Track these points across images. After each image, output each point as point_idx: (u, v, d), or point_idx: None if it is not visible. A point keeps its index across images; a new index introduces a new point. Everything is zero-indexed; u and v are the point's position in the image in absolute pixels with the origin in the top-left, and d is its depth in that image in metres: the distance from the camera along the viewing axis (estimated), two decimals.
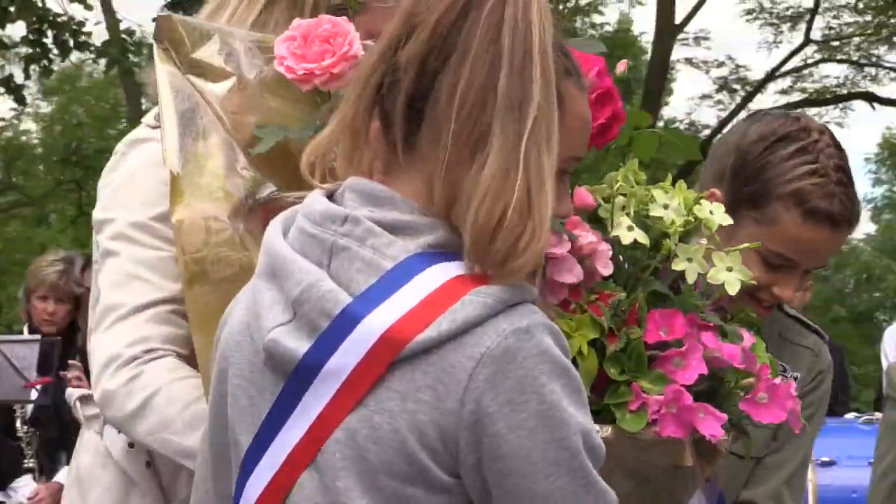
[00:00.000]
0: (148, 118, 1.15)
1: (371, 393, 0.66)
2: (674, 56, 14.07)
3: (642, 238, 0.86)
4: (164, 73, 1.02)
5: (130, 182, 1.10)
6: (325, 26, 0.92)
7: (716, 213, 0.91)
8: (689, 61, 15.18)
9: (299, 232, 0.71)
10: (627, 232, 0.86)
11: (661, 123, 15.99)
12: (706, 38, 14.48)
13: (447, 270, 0.66)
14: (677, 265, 0.88)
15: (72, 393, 1.58)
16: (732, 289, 0.90)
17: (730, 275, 0.90)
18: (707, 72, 15.13)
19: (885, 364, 4.53)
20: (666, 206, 0.88)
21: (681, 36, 13.78)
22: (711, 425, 0.82)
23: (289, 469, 0.69)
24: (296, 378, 0.69)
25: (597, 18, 15.65)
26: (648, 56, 14.09)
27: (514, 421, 0.64)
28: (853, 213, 1.26)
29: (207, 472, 0.82)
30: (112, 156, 1.16)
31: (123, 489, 1.13)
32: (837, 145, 1.26)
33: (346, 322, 0.66)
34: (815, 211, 1.15)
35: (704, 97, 15.49)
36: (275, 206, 0.94)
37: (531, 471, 0.65)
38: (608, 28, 15.85)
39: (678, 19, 13.10)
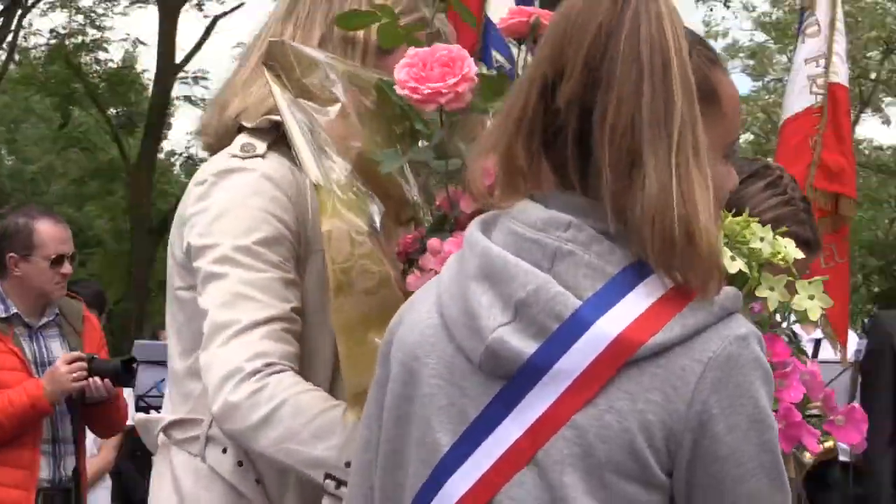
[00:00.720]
0: (233, 149, 1.15)
1: (601, 393, 0.67)
2: (174, 93, 15.18)
3: (745, 268, 0.90)
4: (281, 97, 1.05)
5: (229, 210, 1.11)
6: (442, 52, 0.97)
7: (789, 248, 0.98)
8: (188, 98, 16.32)
9: (515, 237, 0.72)
10: (731, 262, 0.87)
11: (161, 156, 16.25)
12: (205, 78, 15.36)
13: (663, 279, 0.68)
14: (760, 293, 0.93)
15: (146, 419, 1.28)
16: (814, 315, 0.96)
17: (812, 303, 0.96)
18: (205, 109, 16.02)
19: None
20: (762, 239, 0.95)
21: (181, 74, 14.72)
22: (811, 441, 0.91)
23: (504, 466, 0.69)
24: (519, 377, 0.69)
25: (101, 55, 16.16)
26: (150, 93, 14.87)
27: (732, 423, 0.67)
28: (819, 238, 1.52)
29: (366, 472, 0.81)
30: (196, 185, 1.17)
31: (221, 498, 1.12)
32: (793, 179, 1.52)
33: (576, 325, 0.67)
34: (793, 235, 1.10)
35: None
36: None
37: (741, 472, 0.68)
38: (112, 65, 16.29)
39: (178, 59, 13.94)
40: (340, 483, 0.96)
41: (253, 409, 1.00)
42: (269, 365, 1.02)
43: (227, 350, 1.03)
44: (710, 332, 0.68)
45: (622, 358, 0.67)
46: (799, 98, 3.57)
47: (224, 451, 1.11)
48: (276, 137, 1.13)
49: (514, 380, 0.69)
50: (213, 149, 1.23)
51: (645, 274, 0.69)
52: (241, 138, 1.15)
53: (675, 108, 0.68)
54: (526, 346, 0.68)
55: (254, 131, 1.16)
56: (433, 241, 0.97)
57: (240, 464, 1.11)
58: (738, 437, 0.68)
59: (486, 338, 0.69)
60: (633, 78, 0.68)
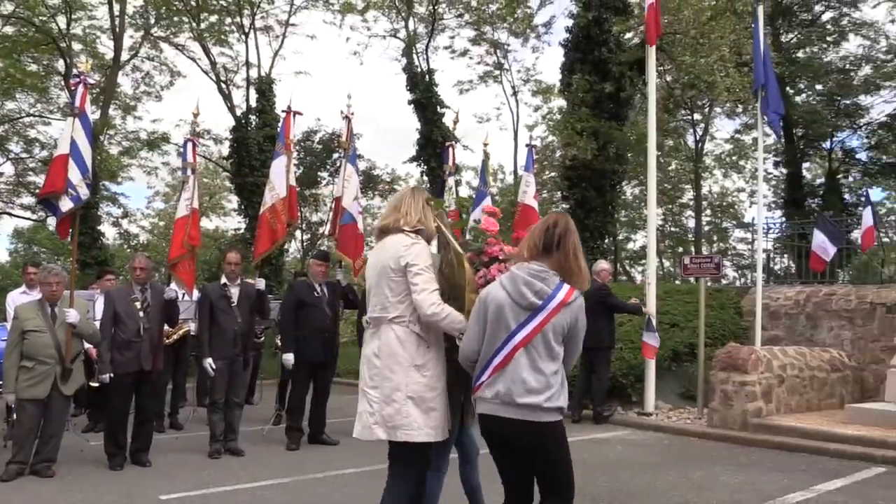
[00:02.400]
0: (410, 235, 3.63)
1: (556, 316, 3.13)
2: None
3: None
4: (443, 226, 3.82)
5: (420, 254, 3.53)
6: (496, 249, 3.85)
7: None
8: None
9: (530, 270, 3.18)
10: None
11: None
12: None
13: (567, 287, 3.16)
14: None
15: (381, 317, 3.63)
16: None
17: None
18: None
19: None
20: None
21: None
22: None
23: (532, 334, 3.12)
24: (535, 311, 3.12)
25: None
26: None
27: (581, 321, 3.25)
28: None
29: (474, 335, 3.26)
30: (404, 246, 3.55)
31: (418, 343, 3.52)
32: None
33: (549, 297, 3.13)
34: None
35: None
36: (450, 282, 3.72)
37: (581, 331, 3.27)
38: None
39: None
40: (462, 334, 3.40)
41: (442, 313, 3.45)
42: (441, 303, 3.49)
43: (431, 295, 3.47)
44: (578, 297, 3.20)
45: (562, 306, 3.14)
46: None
47: (415, 324, 3.53)
48: (419, 236, 3.65)
49: (533, 312, 3.13)
50: (388, 232, 3.69)
51: (563, 283, 3.16)
52: (407, 232, 3.64)
53: (575, 244, 3.23)
54: (537, 302, 3.13)
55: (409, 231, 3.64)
56: (493, 271, 3.69)
57: (419, 330, 3.53)
58: (581, 323, 3.24)
59: (527, 300, 3.13)
60: (571, 241, 3.21)
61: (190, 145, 7.96)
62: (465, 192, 23.42)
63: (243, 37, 20.91)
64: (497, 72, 23.53)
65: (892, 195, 31.16)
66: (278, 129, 8.88)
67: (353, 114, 8.64)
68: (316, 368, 7.67)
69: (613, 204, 20.47)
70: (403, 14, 21.51)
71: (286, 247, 22.80)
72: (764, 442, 7.80)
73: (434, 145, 19.57)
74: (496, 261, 3.72)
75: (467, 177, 26.34)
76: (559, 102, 22.41)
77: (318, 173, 25.17)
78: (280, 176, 8.11)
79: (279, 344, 8.75)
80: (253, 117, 20.59)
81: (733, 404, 8.41)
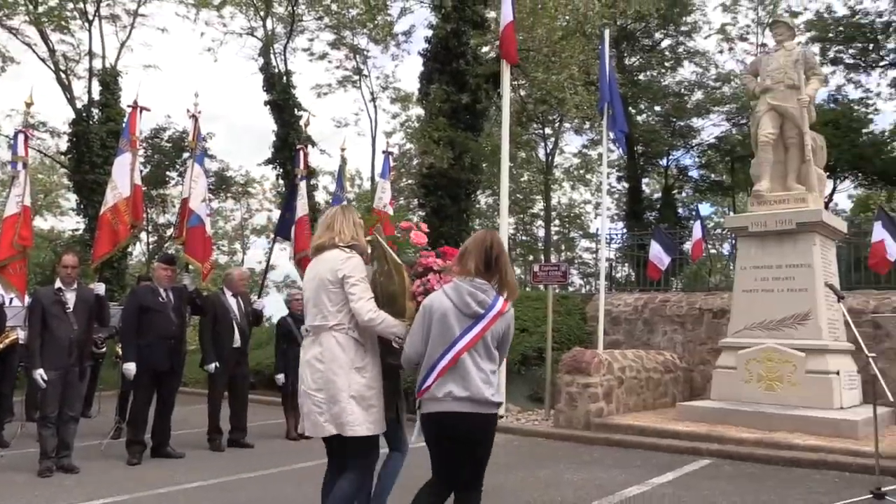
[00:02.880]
0: (344, 250, 3.94)
1: (493, 323, 3.48)
2: None
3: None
4: (378, 241, 4.13)
5: (356, 266, 3.87)
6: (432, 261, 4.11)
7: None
8: None
9: (473, 284, 3.50)
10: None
11: None
12: None
13: (503, 297, 3.55)
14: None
15: (321, 325, 3.93)
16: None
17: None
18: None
19: None
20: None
21: None
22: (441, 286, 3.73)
23: (473, 341, 3.45)
24: (476, 318, 3.45)
25: None
26: None
27: (511, 327, 3.70)
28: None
29: (419, 340, 3.54)
30: (340, 260, 3.86)
31: (357, 348, 3.85)
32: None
33: (489, 307, 3.47)
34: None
35: None
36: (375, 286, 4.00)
37: (510, 335, 3.72)
38: None
39: None
40: (402, 341, 3.74)
41: (378, 318, 3.78)
42: (377, 309, 3.82)
43: (367, 303, 3.80)
44: (510, 308, 3.58)
45: (499, 315, 3.51)
46: None
47: (353, 330, 3.85)
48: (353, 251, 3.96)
49: (476, 319, 3.46)
50: (324, 249, 3.98)
51: (499, 296, 3.53)
52: (341, 247, 3.95)
53: (506, 261, 3.63)
54: (479, 311, 3.46)
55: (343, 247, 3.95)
56: (432, 278, 3.99)
57: (357, 335, 3.85)
58: (511, 330, 3.68)
59: (470, 309, 3.46)
60: (504, 259, 3.60)
61: (21, 137, 7.37)
62: (322, 196, 23.17)
63: (87, 24, 19.64)
64: (356, 77, 23.49)
65: (719, 210, 33.93)
66: (123, 125, 8.39)
67: (200, 112, 8.31)
68: (160, 377, 7.30)
69: (468, 212, 20.93)
70: (262, 13, 21.00)
71: (130, 249, 21.54)
72: (605, 440, 8.24)
73: (290, 148, 19.21)
74: (430, 271, 4.02)
75: (325, 181, 26.07)
76: (417, 111, 22.69)
77: (167, 173, 24.03)
78: (124, 174, 7.67)
79: (120, 352, 8.26)
80: (95, 111, 19.35)
81: (577, 405, 8.83)
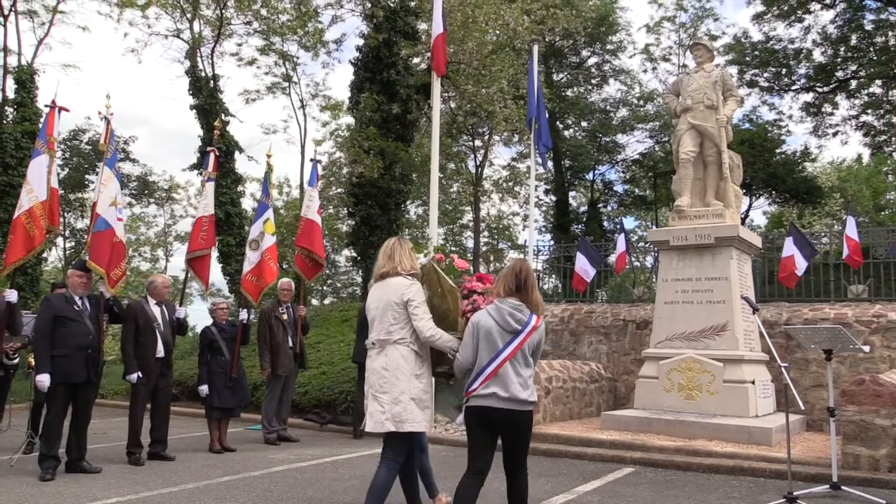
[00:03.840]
0: (407, 278, 4.78)
1: (530, 337, 4.31)
2: None
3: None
4: (433, 268, 5.00)
5: (418, 292, 4.73)
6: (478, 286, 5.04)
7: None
8: None
9: (511, 305, 4.29)
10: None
11: None
12: None
13: (535, 314, 4.36)
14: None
15: (387, 339, 4.76)
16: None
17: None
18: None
19: None
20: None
21: None
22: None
23: (515, 350, 4.25)
24: (516, 334, 4.26)
25: None
26: None
27: (542, 340, 4.50)
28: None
29: (469, 352, 4.33)
30: (405, 286, 4.72)
31: (416, 358, 4.73)
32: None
33: (526, 324, 4.28)
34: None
35: None
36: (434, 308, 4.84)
37: (541, 344, 4.60)
38: None
39: None
40: (455, 353, 4.50)
41: (437, 335, 4.65)
42: (435, 327, 4.69)
43: (429, 322, 4.67)
44: (542, 323, 4.39)
45: (533, 330, 4.32)
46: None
47: (414, 344, 4.72)
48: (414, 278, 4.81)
49: (515, 335, 4.27)
50: (387, 276, 4.79)
51: (532, 314, 4.33)
52: (404, 275, 4.79)
53: (533, 283, 4.48)
54: (517, 327, 4.27)
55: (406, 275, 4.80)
56: (478, 298, 4.88)
57: (417, 348, 4.73)
58: (542, 341, 4.47)
59: (511, 326, 4.27)
60: (531, 281, 4.40)
61: None
62: (248, 203, 22.76)
63: (1, 19, 18.80)
64: (286, 84, 23.21)
65: (642, 224, 34.91)
66: (40, 125, 8.05)
67: (112, 114, 8.04)
68: (76, 389, 7.01)
69: (398, 222, 20.93)
70: (188, 15, 20.54)
71: (45, 255, 20.66)
72: (533, 450, 8.28)
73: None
74: (474, 293, 4.93)
75: (252, 188, 25.62)
76: (348, 120, 22.57)
77: (87, 176, 23.15)
78: (40, 177, 7.36)
79: (32, 363, 7.89)
80: (10, 110, 18.53)
81: None
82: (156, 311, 7.90)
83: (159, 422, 7.92)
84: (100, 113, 8.09)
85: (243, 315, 8.85)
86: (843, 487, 6.10)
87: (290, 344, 9.27)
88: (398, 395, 4.64)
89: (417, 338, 4.70)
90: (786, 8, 25.36)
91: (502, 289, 4.41)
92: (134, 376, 7.64)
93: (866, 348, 9.07)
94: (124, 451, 7.70)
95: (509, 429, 4.36)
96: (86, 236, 23.90)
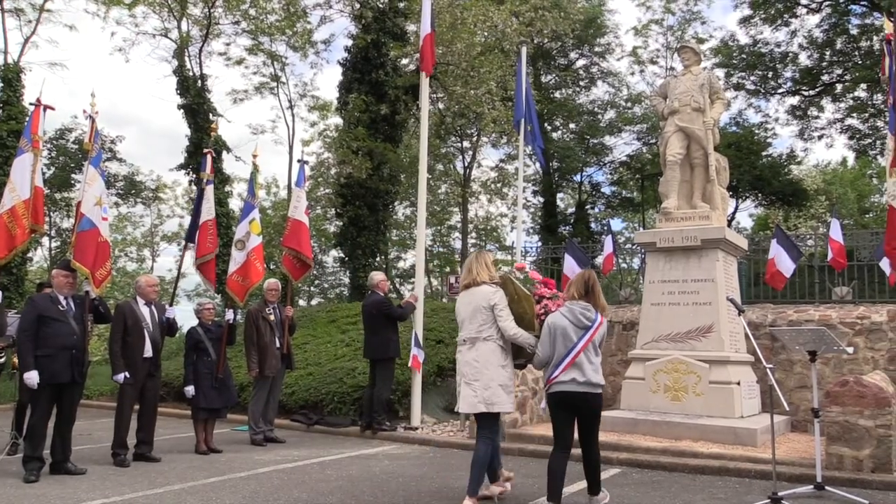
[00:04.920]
0: (492, 286, 5.80)
1: (598, 331, 5.45)
2: None
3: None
4: (510, 280, 5.89)
5: (502, 298, 5.73)
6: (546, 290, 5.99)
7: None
8: None
9: (581, 305, 5.47)
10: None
11: None
12: None
13: (601, 314, 5.56)
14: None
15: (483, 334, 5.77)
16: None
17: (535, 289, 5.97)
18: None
19: None
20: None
21: None
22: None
23: (586, 343, 5.36)
24: (586, 329, 5.38)
25: None
26: None
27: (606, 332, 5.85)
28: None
29: (547, 347, 5.45)
30: (491, 293, 5.73)
31: (501, 352, 5.70)
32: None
33: (594, 321, 5.43)
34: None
35: None
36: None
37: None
38: None
39: None
40: (533, 348, 5.63)
41: (519, 333, 5.66)
42: (517, 327, 5.69)
43: (510, 323, 5.68)
44: (605, 321, 5.60)
45: (600, 325, 5.49)
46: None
47: (500, 340, 5.70)
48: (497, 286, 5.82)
49: (586, 330, 5.38)
50: (473, 285, 5.84)
51: (598, 313, 5.52)
52: (487, 283, 5.81)
53: (598, 289, 5.76)
54: (588, 324, 5.40)
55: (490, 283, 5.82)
56: (548, 302, 5.79)
57: (501, 344, 5.71)
58: (605, 335, 5.74)
59: (582, 323, 5.40)
60: (597, 287, 5.65)
61: None
62: (236, 204, 22.68)
63: None
64: (274, 84, 23.15)
65: (629, 226, 35.04)
66: (25, 124, 8.00)
67: (97, 113, 7.98)
68: (61, 389, 6.96)
69: (385, 223, 20.92)
70: (176, 14, 20.45)
71: (30, 255, 20.48)
72: (520, 450, 8.35)
73: None
74: (544, 297, 5.87)
75: (240, 188, 25.52)
76: (336, 120, 22.54)
77: (73, 175, 22.97)
78: (24, 176, 7.31)
79: (16, 364, 7.83)
80: None
81: None
82: (145, 311, 7.87)
83: (146, 423, 7.88)
84: (85, 111, 8.04)
85: (229, 315, 8.82)
86: (826, 488, 6.16)
87: (278, 344, 9.25)
88: (488, 381, 5.66)
89: (502, 335, 5.72)
90: (772, 12, 25.54)
91: (574, 293, 5.57)
92: (121, 376, 7.60)
93: (850, 350, 9.14)
94: (109, 452, 7.66)
95: (585, 408, 5.44)
96: (71, 236, 23.77)
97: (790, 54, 26.34)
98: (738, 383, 8.82)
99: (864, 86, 24.89)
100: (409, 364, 9.90)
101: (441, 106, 22.24)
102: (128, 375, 7.61)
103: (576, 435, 5.53)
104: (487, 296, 5.74)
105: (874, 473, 6.67)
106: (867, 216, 33.79)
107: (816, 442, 6.37)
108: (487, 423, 5.79)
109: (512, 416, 8.96)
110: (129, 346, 7.68)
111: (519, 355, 5.93)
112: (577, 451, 8.08)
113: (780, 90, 27.37)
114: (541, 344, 5.53)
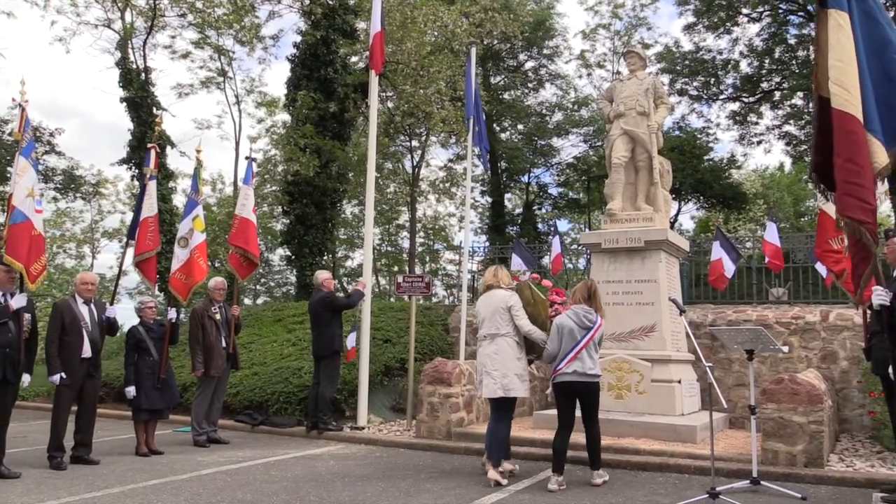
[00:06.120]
0: (508, 290, 6.96)
1: (598, 331, 6.55)
2: None
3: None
4: (525, 284, 7.18)
5: (518, 301, 6.83)
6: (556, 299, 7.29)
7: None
8: None
9: (583, 308, 6.58)
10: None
11: None
12: None
13: (601, 317, 6.70)
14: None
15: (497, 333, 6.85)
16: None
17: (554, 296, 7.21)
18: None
19: None
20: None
21: None
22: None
23: (588, 341, 6.44)
24: (588, 329, 6.46)
25: None
26: None
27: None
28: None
29: (556, 344, 6.52)
30: (508, 295, 6.85)
31: (517, 346, 6.79)
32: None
33: (595, 322, 6.52)
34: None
35: None
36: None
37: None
38: None
39: None
40: (545, 343, 6.68)
41: (533, 330, 6.74)
42: (531, 325, 6.79)
43: (526, 322, 6.76)
44: (603, 323, 6.71)
45: (600, 327, 6.59)
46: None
47: (515, 336, 6.79)
48: (513, 290, 7.02)
49: (588, 329, 6.45)
50: (492, 288, 7.00)
51: (598, 315, 6.61)
52: (504, 288, 7.00)
53: (599, 295, 6.91)
54: (590, 325, 6.48)
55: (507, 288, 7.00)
56: (559, 307, 6.97)
57: (517, 339, 6.81)
58: (603, 335, 6.94)
59: (585, 324, 6.47)
60: (598, 294, 6.87)
61: None
62: (180, 200, 22.22)
63: None
64: (220, 79, 22.77)
65: (576, 227, 35.51)
66: None
67: (27, 101, 7.72)
68: None
69: (333, 221, 20.76)
70: (120, 4, 19.94)
71: None
72: (466, 449, 8.40)
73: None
74: (555, 303, 7.04)
75: (185, 184, 25.02)
76: (284, 117, 22.28)
77: (9, 168, 22.16)
78: None
79: None
80: None
81: (439, 415, 8.96)
82: (83, 310, 7.66)
83: (84, 424, 7.67)
84: (14, 100, 7.77)
85: (172, 314, 8.65)
86: (762, 482, 6.36)
87: (224, 344, 9.11)
88: (506, 371, 6.67)
89: (518, 332, 6.77)
90: (715, 20, 26.17)
91: (579, 298, 6.66)
92: (57, 377, 7.38)
93: (785, 349, 9.46)
94: (46, 455, 7.43)
95: (586, 395, 6.51)
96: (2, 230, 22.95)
97: (731, 62, 27.04)
98: (679, 381, 9.03)
99: (800, 94, 25.69)
100: (346, 353, 9.91)
101: (390, 105, 22.18)
102: (64, 376, 7.39)
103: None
104: (505, 298, 6.82)
105: (807, 468, 6.92)
106: (802, 220, 34.96)
107: (753, 438, 6.57)
108: (505, 406, 6.82)
109: (458, 414, 9.01)
110: (66, 346, 7.46)
111: (531, 350, 6.95)
112: (523, 449, 8.17)
113: (722, 96, 28.07)
114: (550, 341, 6.59)
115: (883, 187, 5.12)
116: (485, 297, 6.98)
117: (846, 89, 4.85)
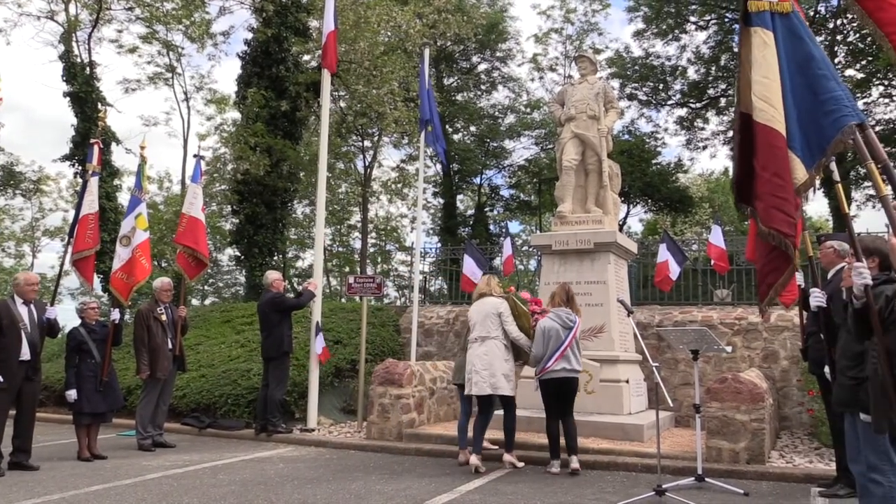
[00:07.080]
0: (498, 297, 7.66)
1: (577, 331, 7.32)
2: None
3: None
4: (514, 295, 7.92)
5: (507, 308, 7.52)
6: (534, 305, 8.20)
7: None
8: None
9: (563, 310, 7.36)
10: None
11: None
12: None
13: (578, 318, 7.53)
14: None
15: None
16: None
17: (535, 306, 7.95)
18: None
19: None
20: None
21: None
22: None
23: (570, 342, 7.17)
24: (570, 329, 7.19)
25: None
26: None
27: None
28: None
29: (541, 346, 7.23)
30: (498, 302, 7.54)
31: (505, 349, 7.41)
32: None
33: (574, 322, 7.29)
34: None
35: None
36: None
37: None
38: None
39: None
40: (530, 348, 7.40)
41: (520, 335, 7.43)
42: (519, 331, 7.49)
43: (514, 327, 7.45)
44: (579, 322, 7.50)
45: (578, 326, 7.36)
46: None
47: (504, 340, 7.43)
48: (503, 298, 7.71)
49: (570, 329, 7.18)
50: (485, 296, 7.72)
51: (576, 316, 7.37)
52: (496, 296, 7.69)
53: (575, 297, 7.75)
54: (571, 324, 7.21)
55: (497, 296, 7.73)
56: (538, 316, 7.65)
57: (506, 342, 7.44)
58: (579, 333, 7.61)
59: (567, 323, 7.21)
60: (574, 297, 7.74)
61: None
62: (125, 198, 21.70)
63: None
64: (169, 75, 22.31)
65: (527, 228, 35.78)
66: None
67: None
68: None
69: (284, 221, 20.53)
70: None
71: None
72: (416, 450, 8.40)
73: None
74: (536, 313, 7.70)
75: (130, 182, 24.44)
76: (234, 115, 21.94)
77: None
78: None
79: None
80: None
81: (390, 416, 8.93)
82: (23, 310, 7.43)
83: (23, 429, 7.43)
84: None
85: (115, 315, 8.44)
86: (707, 479, 6.51)
87: (170, 346, 8.93)
88: (494, 370, 7.23)
89: (506, 336, 7.39)
90: (664, 27, 26.70)
91: (558, 301, 7.41)
92: None
93: (729, 349, 9.70)
94: None
95: (567, 389, 7.18)
96: None
97: (679, 68, 27.61)
98: (627, 381, 9.18)
99: None
100: (319, 355, 9.79)
101: (342, 104, 22.03)
102: (1, 379, 7.15)
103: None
104: (496, 305, 7.49)
105: (749, 464, 7.10)
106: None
107: (697, 436, 6.72)
108: (488, 403, 7.46)
109: (409, 415, 9.00)
110: (4, 348, 7.22)
111: (518, 356, 7.58)
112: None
113: (670, 102, 28.64)
114: (535, 344, 7.28)
115: (803, 203, 5.27)
116: (478, 304, 7.63)
117: (772, 105, 4.98)
